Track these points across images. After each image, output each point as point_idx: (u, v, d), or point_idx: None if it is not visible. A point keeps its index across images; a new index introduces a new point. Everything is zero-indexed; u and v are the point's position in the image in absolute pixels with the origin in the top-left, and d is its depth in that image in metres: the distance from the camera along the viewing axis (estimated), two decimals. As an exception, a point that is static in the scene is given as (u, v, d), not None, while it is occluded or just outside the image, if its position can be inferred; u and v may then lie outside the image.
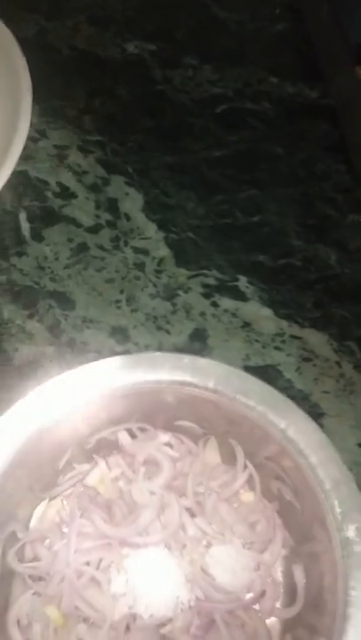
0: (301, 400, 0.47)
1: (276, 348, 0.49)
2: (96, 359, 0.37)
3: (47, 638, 0.35)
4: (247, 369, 0.46)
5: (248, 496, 0.40)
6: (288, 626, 0.37)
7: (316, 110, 0.62)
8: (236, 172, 0.58)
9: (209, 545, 0.38)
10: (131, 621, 0.35)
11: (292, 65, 0.65)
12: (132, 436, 0.40)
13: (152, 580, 0.35)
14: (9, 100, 0.55)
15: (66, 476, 0.40)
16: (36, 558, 0.37)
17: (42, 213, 0.55)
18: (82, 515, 0.38)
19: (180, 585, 0.35)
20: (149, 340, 0.49)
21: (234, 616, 0.35)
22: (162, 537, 0.37)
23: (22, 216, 0.54)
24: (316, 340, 0.50)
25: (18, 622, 0.36)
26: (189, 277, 0.52)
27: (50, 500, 0.40)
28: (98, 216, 0.55)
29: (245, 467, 0.39)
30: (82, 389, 0.37)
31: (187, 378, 0.36)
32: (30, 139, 0.54)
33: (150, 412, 0.40)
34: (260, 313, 0.51)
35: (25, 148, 0.51)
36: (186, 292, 0.52)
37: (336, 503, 0.33)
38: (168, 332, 0.50)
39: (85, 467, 0.41)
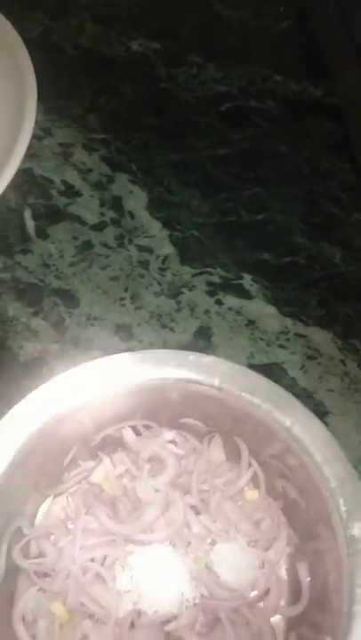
0: (306, 398, 0.47)
1: (281, 346, 0.49)
2: (100, 356, 0.37)
3: (52, 634, 0.35)
4: (251, 367, 0.45)
5: (253, 494, 0.40)
6: (293, 624, 0.37)
7: (320, 108, 0.62)
8: (241, 170, 0.58)
9: (213, 542, 0.38)
10: (135, 618, 0.35)
11: (296, 63, 0.65)
12: (137, 433, 0.41)
13: (157, 577, 0.36)
14: (14, 98, 0.55)
15: (71, 473, 0.41)
16: (41, 554, 0.38)
17: (47, 211, 0.55)
18: (87, 511, 0.38)
19: (184, 582, 0.35)
20: (154, 337, 0.49)
21: (238, 614, 0.36)
22: (166, 534, 0.37)
23: (27, 214, 0.54)
24: (321, 338, 0.50)
25: (23, 618, 0.36)
26: (194, 275, 0.52)
27: (55, 497, 0.40)
28: (102, 214, 0.55)
29: (250, 465, 0.39)
30: (87, 386, 0.37)
31: (192, 375, 0.36)
32: (35, 137, 0.54)
33: (155, 409, 0.40)
34: (264, 311, 0.51)
35: (30, 147, 0.51)
36: (190, 289, 0.52)
37: (341, 501, 0.33)
38: (172, 329, 0.50)
39: (90, 464, 0.41)
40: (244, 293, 0.52)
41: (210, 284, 0.52)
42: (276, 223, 0.55)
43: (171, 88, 0.63)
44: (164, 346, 0.49)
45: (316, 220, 0.56)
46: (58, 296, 0.51)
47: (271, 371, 0.48)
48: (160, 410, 0.40)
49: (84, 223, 0.54)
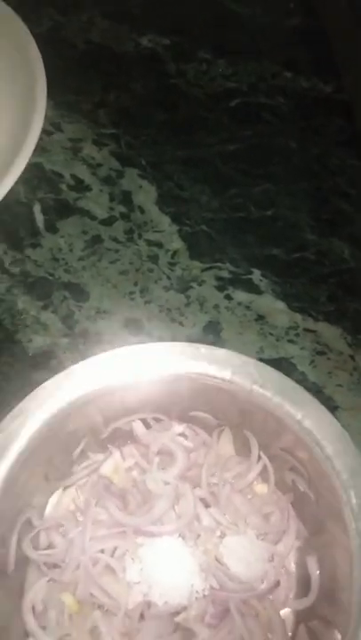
0: (315, 393, 0.46)
1: (290, 342, 0.49)
2: (109, 350, 0.37)
3: (62, 624, 0.35)
4: (261, 362, 0.45)
5: (262, 488, 0.40)
6: (302, 617, 0.37)
7: (330, 105, 0.62)
8: (250, 166, 0.58)
9: (223, 535, 0.38)
10: (145, 609, 0.35)
11: (306, 59, 0.65)
12: (147, 426, 0.41)
13: (167, 569, 0.36)
14: (24, 93, 0.56)
15: (80, 465, 0.41)
16: (50, 546, 0.38)
17: (56, 205, 0.55)
18: (97, 503, 0.38)
19: (194, 574, 0.35)
20: (163, 331, 0.50)
21: (248, 606, 0.36)
22: (176, 526, 0.37)
23: (37, 208, 0.55)
24: (330, 333, 0.50)
25: (33, 609, 0.36)
26: (203, 270, 0.52)
27: (64, 489, 0.40)
28: (112, 208, 0.55)
29: (259, 458, 0.39)
30: (96, 379, 0.37)
31: (204, 368, 0.36)
32: (45, 132, 0.55)
33: (165, 402, 0.40)
34: (273, 306, 0.51)
35: (39, 141, 0.52)
36: (200, 284, 0.52)
37: (353, 493, 0.33)
38: (182, 324, 0.50)
39: (100, 456, 0.41)
40: (253, 288, 0.52)
41: (219, 278, 0.52)
42: (286, 219, 0.55)
43: (180, 84, 0.63)
44: (174, 340, 0.49)
45: (326, 216, 0.56)
46: (67, 290, 0.51)
47: (280, 366, 0.48)
48: (170, 403, 0.40)
49: (93, 217, 0.54)
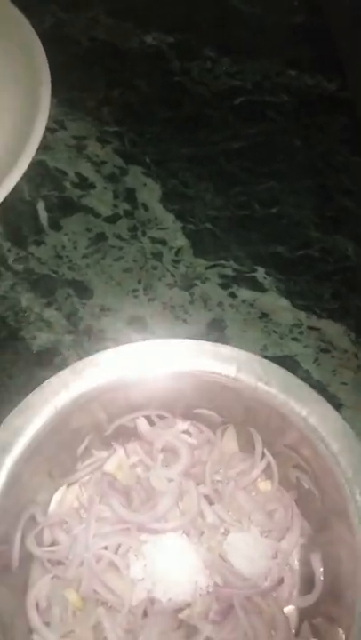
0: (319, 391, 0.46)
1: (294, 339, 0.49)
2: (113, 347, 0.37)
3: (66, 621, 0.35)
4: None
5: (266, 485, 0.40)
6: (306, 614, 0.37)
7: (334, 103, 0.62)
8: (255, 164, 0.58)
9: (227, 532, 0.38)
10: (149, 606, 0.35)
11: (310, 57, 0.65)
12: (151, 423, 0.41)
13: (170, 566, 0.36)
14: (28, 91, 0.56)
15: (84, 462, 0.41)
16: (54, 542, 0.38)
17: (60, 203, 0.55)
18: (100, 500, 0.38)
19: (198, 570, 0.35)
20: (167, 329, 0.49)
21: (252, 602, 0.35)
22: (180, 523, 0.37)
23: (40, 205, 0.55)
24: (334, 331, 0.50)
25: (37, 605, 0.36)
26: (207, 268, 0.52)
27: (68, 486, 0.40)
28: (116, 206, 0.55)
29: (263, 455, 0.39)
30: (100, 376, 0.37)
31: (208, 365, 0.36)
32: (49, 129, 0.55)
33: (169, 399, 0.40)
34: (277, 304, 0.51)
35: (43, 139, 0.52)
36: (203, 282, 0.52)
37: (357, 491, 0.33)
38: (186, 321, 0.50)
39: (104, 453, 0.41)
40: (257, 286, 0.52)
41: (223, 276, 0.52)
42: (290, 217, 0.55)
43: (185, 82, 0.63)
44: (177, 338, 0.49)
45: (330, 214, 0.55)
46: (71, 287, 0.51)
47: (285, 363, 0.47)
48: (174, 400, 0.40)
49: (97, 215, 0.54)
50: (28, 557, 0.37)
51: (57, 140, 0.58)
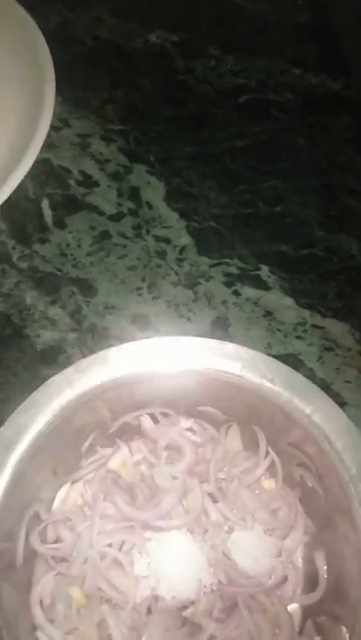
0: (323, 389, 0.47)
1: (298, 338, 0.49)
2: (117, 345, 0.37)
3: (70, 618, 0.35)
4: (269, 357, 0.46)
5: (270, 483, 0.40)
6: (309, 612, 0.37)
7: (339, 102, 0.62)
8: (259, 162, 0.58)
9: (231, 530, 0.38)
10: (153, 603, 0.35)
11: (315, 56, 0.65)
12: (155, 420, 0.41)
13: (174, 563, 0.35)
14: (33, 89, 0.56)
15: (88, 459, 0.41)
16: (58, 540, 0.38)
17: (64, 201, 0.55)
18: (104, 497, 0.38)
19: (202, 568, 0.35)
20: (171, 327, 0.49)
21: (256, 601, 0.35)
22: (184, 521, 0.37)
23: (45, 203, 0.55)
24: (338, 329, 0.50)
25: (40, 602, 0.36)
26: (211, 266, 0.52)
27: (72, 484, 0.40)
28: (120, 204, 0.55)
29: (267, 453, 0.39)
30: (104, 374, 0.37)
31: (212, 362, 0.36)
32: (53, 128, 0.55)
33: (173, 397, 0.40)
34: (281, 302, 0.51)
35: (48, 137, 0.52)
36: (207, 280, 0.52)
37: (362, 488, 0.33)
38: (190, 319, 0.50)
39: (108, 451, 0.41)
40: (261, 284, 0.52)
41: (227, 274, 0.52)
42: (295, 215, 0.55)
43: (189, 80, 0.63)
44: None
45: (334, 213, 0.55)
46: (75, 285, 0.51)
47: (288, 362, 0.47)
48: (178, 398, 0.40)
49: (101, 213, 0.54)
50: (32, 555, 0.37)
51: (61, 138, 0.58)
